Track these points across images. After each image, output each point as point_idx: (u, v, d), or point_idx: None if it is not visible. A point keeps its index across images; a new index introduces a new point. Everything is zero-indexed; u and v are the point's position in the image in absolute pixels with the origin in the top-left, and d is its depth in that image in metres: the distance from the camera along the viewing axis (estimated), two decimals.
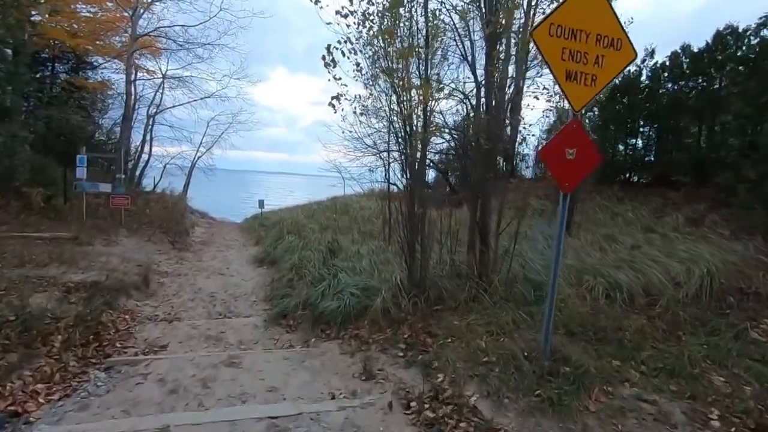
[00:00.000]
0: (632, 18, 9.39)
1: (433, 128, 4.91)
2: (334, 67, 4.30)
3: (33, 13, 11.76)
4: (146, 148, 17.36)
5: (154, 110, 17.14)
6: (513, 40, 6.04)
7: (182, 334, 4.82)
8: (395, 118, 4.88)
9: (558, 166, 3.19)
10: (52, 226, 8.66)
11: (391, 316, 4.65)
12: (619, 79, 10.28)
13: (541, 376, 3.18)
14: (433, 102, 4.72)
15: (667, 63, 9.99)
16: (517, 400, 3.02)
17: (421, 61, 4.38)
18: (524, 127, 7.34)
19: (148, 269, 7.31)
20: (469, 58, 5.86)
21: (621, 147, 10.91)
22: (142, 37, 11.59)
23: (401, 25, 4.30)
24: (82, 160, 9.21)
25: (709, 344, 3.85)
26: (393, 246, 7.90)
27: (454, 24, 5.86)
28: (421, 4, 4.61)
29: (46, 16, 12.01)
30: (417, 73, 4.51)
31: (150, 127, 17.24)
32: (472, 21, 5.61)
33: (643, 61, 10.24)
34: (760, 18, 8.20)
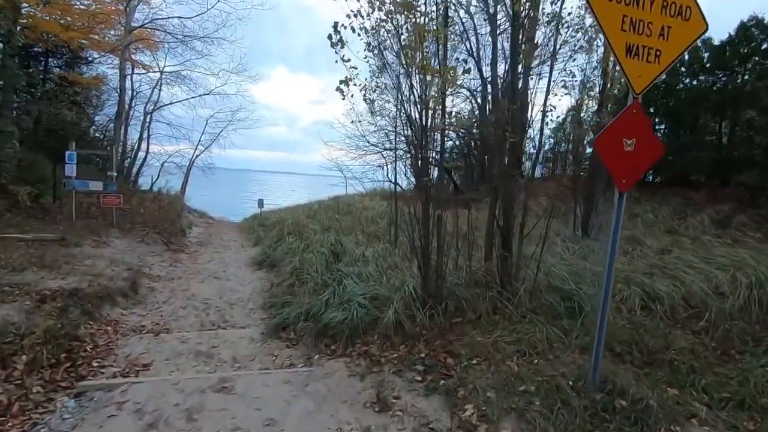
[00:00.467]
0: None
1: (453, 119, 4.34)
2: (342, 47, 3.73)
3: (23, 5, 11.20)
4: (143, 146, 16.77)
5: (152, 107, 16.56)
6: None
7: (169, 349, 4.24)
8: (410, 107, 4.31)
9: (614, 158, 2.63)
10: (39, 226, 8.09)
11: (405, 330, 4.08)
12: None
13: (594, 414, 2.61)
14: (451, 88, 4.15)
15: (686, 57, 9.42)
16: None
17: (440, 42, 3.80)
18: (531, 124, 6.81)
19: (137, 273, 6.73)
20: (476, 54, 5.35)
21: None
22: (136, 29, 11.00)
23: None
24: (72, 157, 8.63)
25: None
26: (400, 249, 7.35)
27: (459, 19, 5.36)
28: None
29: (39, 7, 11.42)
30: (436, 54, 3.93)
31: (147, 124, 16.66)
32: (478, 15, 5.15)
33: None
34: None
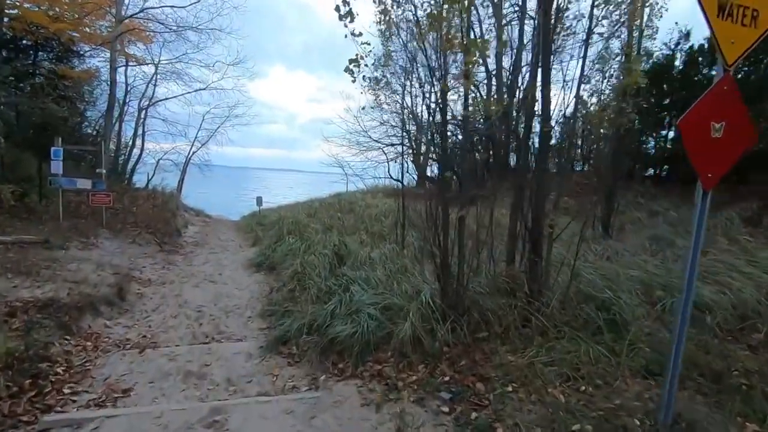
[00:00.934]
0: None
1: (477, 103, 3.78)
2: (351, 20, 3.16)
3: None
4: (138, 144, 16.15)
5: (147, 103, 15.93)
6: None
7: (155, 369, 3.69)
8: (425, 93, 3.76)
9: (698, 146, 2.08)
10: (22, 227, 7.50)
11: (424, 347, 3.54)
12: (649, 64, 9.19)
13: None
14: (474, 67, 3.60)
15: (706, 46, 8.89)
16: None
17: (463, 12, 3.23)
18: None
19: (126, 278, 6.18)
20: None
21: (651, 139, 9.81)
22: (127, 19, 10.38)
23: None
24: (58, 153, 8.03)
25: None
26: (408, 250, 6.81)
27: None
28: None
29: None
30: (460, 28, 3.36)
31: (142, 120, 16.05)
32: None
33: (677, 44, 9.13)
34: None
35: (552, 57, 3.72)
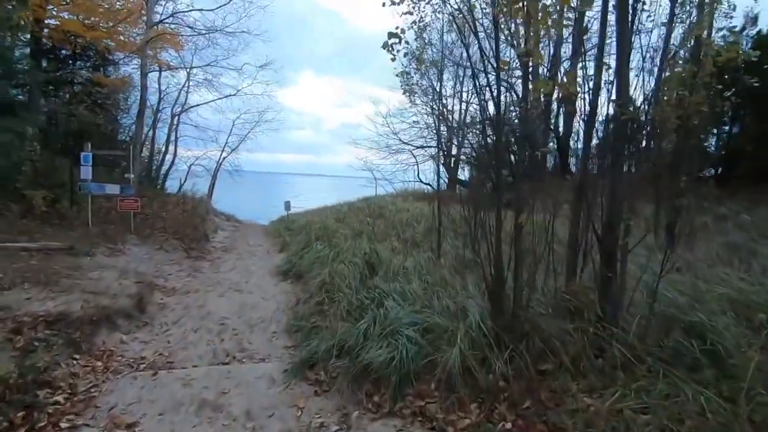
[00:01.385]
0: None
1: (543, 84, 3.14)
2: None
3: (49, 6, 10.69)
4: (171, 149, 16.23)
5: (179, 109, 15.98)
6: None
7: (167, 396, 3.23)
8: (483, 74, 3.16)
9: None
10: (52, 233, 7.35)
11: (476, 380, 2.92)
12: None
13: None
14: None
15: None
16: None
17: None
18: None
19: (149, 287, 5.83)
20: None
21: (711, 136, 8.79)
22: (158, 24, 10.28)
23: None
24: (87, 158, 7.88)
25: None
26: (445, 259, 6.18)
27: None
28: None
29: (64, 5, 10.87)
30: None
31: (175, 126, 16.10)
32: None
33: (743, 29, 8.12)
34: None
35: (632, 29, 3.04)
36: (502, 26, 2.99)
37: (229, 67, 13.13)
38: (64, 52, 13.19)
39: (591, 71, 3.52)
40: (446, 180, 17.23)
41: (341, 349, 3.70)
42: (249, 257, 9.31)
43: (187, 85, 15.83)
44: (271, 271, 7.73)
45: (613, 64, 3.40)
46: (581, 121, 3.69)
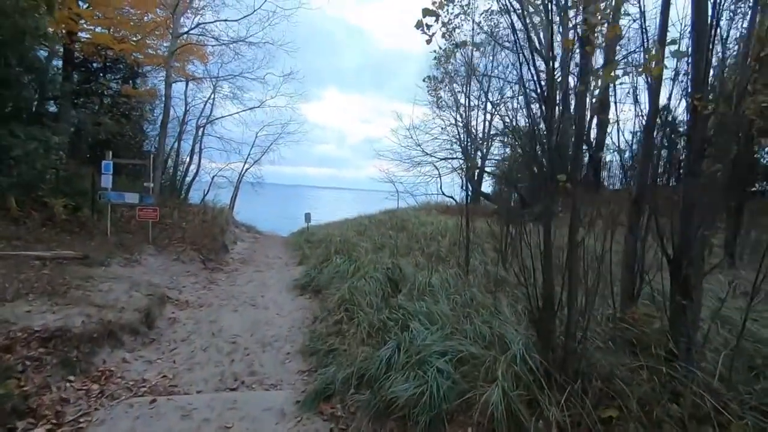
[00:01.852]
0: None
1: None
2: None
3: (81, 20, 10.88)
4: (195, 160, 16.28)
5: (204, 121, 16.06)
6: None
7: (163, 430, 2.81)
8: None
9: None
10: (71, 241, 7.19)
11: (523, 426, 2.40)
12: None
13: None
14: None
15: None
16: None
17: None
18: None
19: (160, 300, 5.52)
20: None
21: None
22: (183, 35, 10.27)
23: None
24: (108, 167, 7.76)
25: None
26: (475, 277, 5.66)
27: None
28: None
29: (95, 18, 11.04)
30: None
31: (199, 138, 16.17)
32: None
33: None
34: None
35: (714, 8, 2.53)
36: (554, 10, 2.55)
37: (253, 77, 13.07)
38: (95, 64, 13.49)
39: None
40: (470, 193, 16.74)
41: (361, 379, 3.24)
42: (267, 270, 8.97)
43: (212, 97, 15.92)
44: (289, 285, 7.35)
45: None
46: (641, 120, 3.18)
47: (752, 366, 2.75)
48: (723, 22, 3.25)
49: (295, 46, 12.42)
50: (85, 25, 11.28)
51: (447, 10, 4.94)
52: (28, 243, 6.61)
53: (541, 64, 2.83)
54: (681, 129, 3.54)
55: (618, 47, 6.94)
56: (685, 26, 2.71)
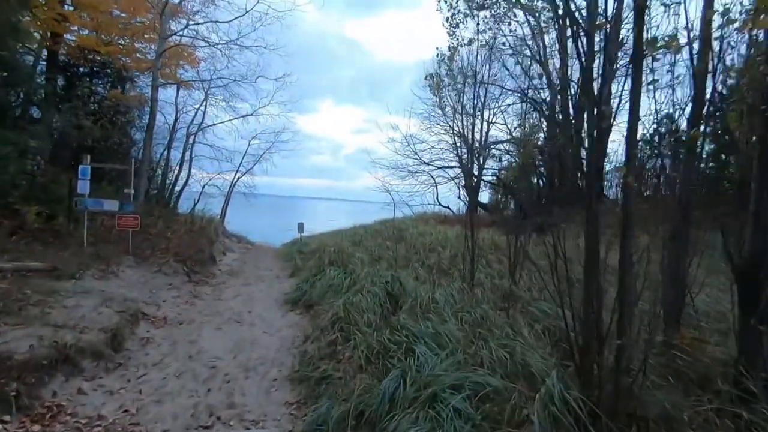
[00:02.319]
0: None
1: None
2: None
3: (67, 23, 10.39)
4: (185, 168, 15.70)
5: (195, 129, 15.53)
6: None
7: None
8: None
9: None
10: (41, 252, 6.56)
11: None
12: None
13: None
14: None
15: None
16: None
17: None
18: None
19: (133, 318, 4.91)
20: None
21: None
22: (172, 36, 9.81)
23: None
24: (85, 172, 7.18)
25: None
26: (482, 291, 5.13)
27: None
28: None
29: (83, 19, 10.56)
30: None
31: (190, 146, 15.61)
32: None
33: None
34: None
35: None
36: None
37: (244, 80, 12.59)
38: (81, 69, 12.98)
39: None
40: (468, 203, 16.30)
41: (360, 418, 2.68)
42: (256, 282, 8.37)
43: (204, 104, 15.43)
44: (278, 300, 6.76)
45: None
46: (681, 110, 2.72)
47: None
48: None
49: (289, 50, 11.88)
50: (71, 28, 10.80)
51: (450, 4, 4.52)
52: None
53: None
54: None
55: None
56: None
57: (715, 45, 2.68)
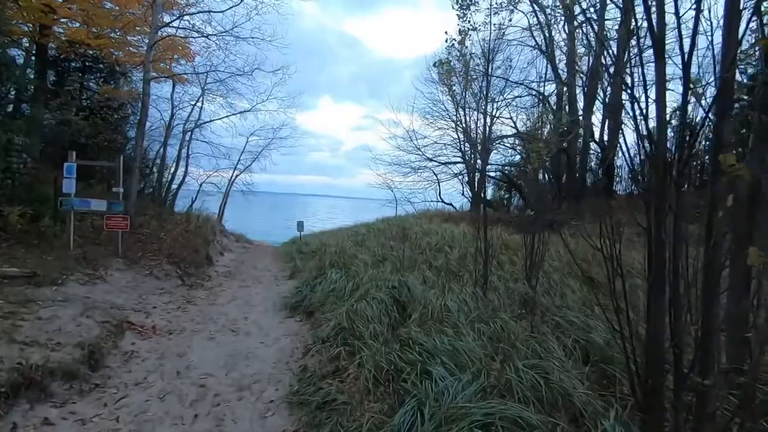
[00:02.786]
0: None
1: None
2: None
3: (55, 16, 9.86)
4: (182, 166, 15.22)
5: (192, 125, 15.04)
6: None
7: None
8: None
9: None
10: (23, 256, 6.10)
11: None
12: None
13: None
14: None
15: None
16: None
17: None
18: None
19: (117, 329, 4.46)
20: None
21: None
22: (165, 26, 9.31)
23: None
24: (71, 170, 6.70)
25: None
26: (497, 297, 4.68)
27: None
28: None
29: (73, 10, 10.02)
30: None
31: (187, 143, 15.12)
32: None
33: None
34: None
35: None
36: None
37: (240, 74, 12.08)
38: (73, 64, 12.47)
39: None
40: (470, 199, 15.84)
41: None
42: (254, 285, 7.91)
43: (201, 100, 14.94)
44: (277, 305, 6.31)
45: None
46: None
47: None
48: None
49: (287, 41, 11.36)
50: (60, 20, 10.27)
51: None
52: None
53: None
54: None
55: None
56: None
57: None
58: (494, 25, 5.09)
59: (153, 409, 3.22)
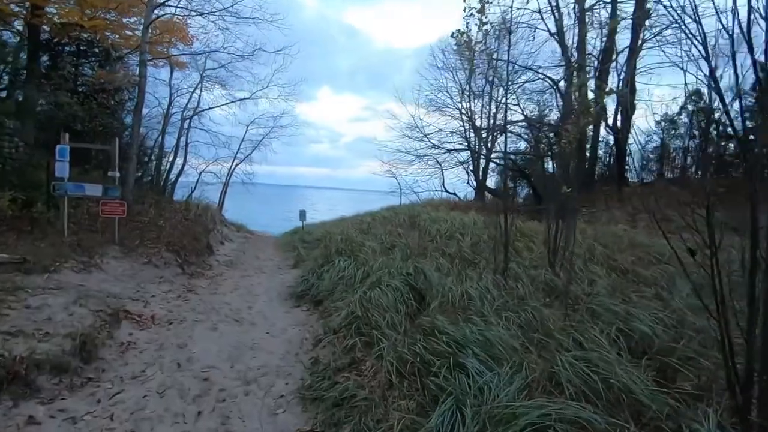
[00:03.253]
0: None
1: None
2: None
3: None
4: (180, 154, 14.81)
5: (191, 113, 14.59)
6: None
7: None
8: None
9: None
10: (14, 242, 5.74)
11: None
12: None
13: None
14: None
15: None
16: None
17: None
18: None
19: (113, 318, 4.12)
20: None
21: None
22: (160, 5, 8.84)
23: None
24: (63, 152, 6.30)
25: None
26: (520, 284, 4.35)
27: None
28: None
29: None
30: None
31: (185, 130, 14.69)
32: None
33: None
34: None
35: None
36: None
37: (241, 56, 11.63)
38: (67, 48, 11.99)
39: None
40: (474, 187, 15.49)
41: None
42: (256, 274, 7.58)
43: (200, 86, 14.48)
44: (282, 294, 5.98)
45: None
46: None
47: None
48: None
49: (288, 22, 10.88)
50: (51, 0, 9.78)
51: None
52: None
53: None
54: None
55: None
56: None
57: None
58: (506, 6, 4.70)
59: (151, 405, 2.89)
